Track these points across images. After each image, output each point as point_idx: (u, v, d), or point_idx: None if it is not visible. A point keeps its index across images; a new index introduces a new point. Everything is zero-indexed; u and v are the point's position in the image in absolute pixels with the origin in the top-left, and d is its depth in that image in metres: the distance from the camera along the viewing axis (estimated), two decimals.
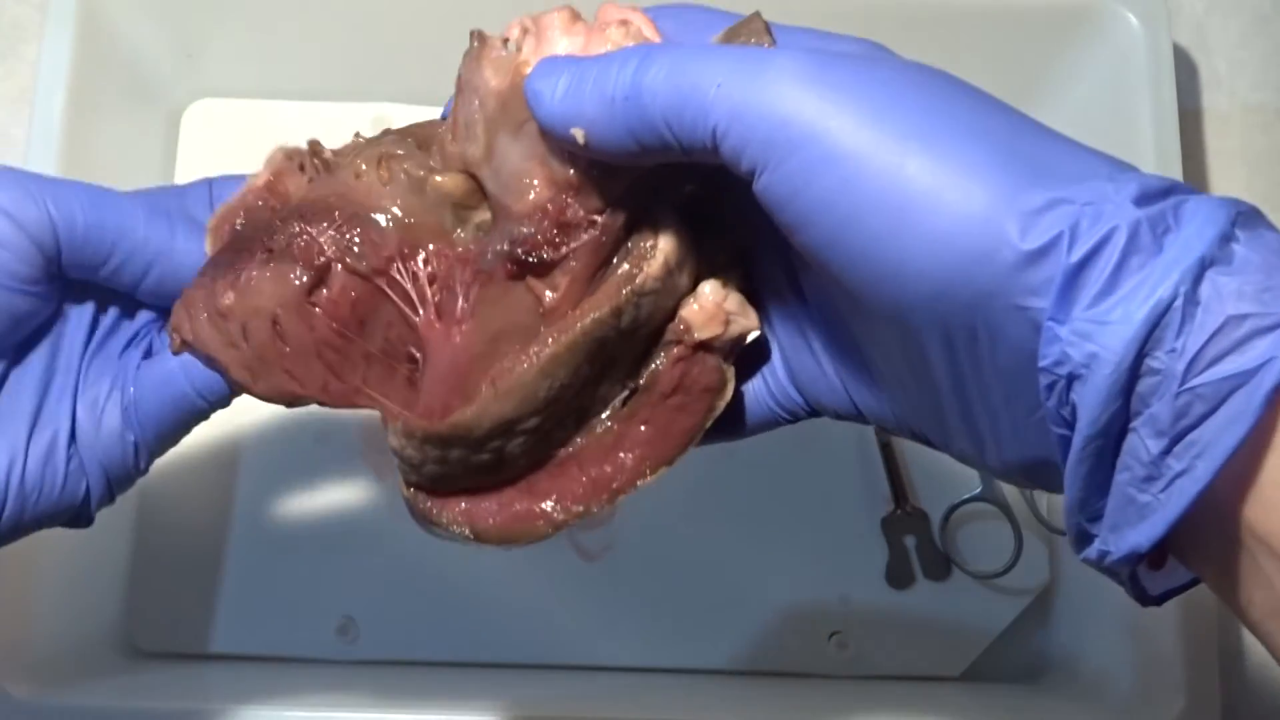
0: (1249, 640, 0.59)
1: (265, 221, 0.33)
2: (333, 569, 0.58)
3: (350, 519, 0.59)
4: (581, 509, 0.33)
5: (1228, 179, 0.64)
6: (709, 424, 0.33)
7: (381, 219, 0.33)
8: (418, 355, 0.33)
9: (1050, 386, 0.25)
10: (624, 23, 0.31)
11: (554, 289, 0.32)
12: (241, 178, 0.35)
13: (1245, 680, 0.58)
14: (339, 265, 0.33)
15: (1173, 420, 0.24)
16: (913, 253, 0.25)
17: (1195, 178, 0.64)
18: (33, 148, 0.54)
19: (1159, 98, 0.56)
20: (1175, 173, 0.55)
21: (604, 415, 0.33)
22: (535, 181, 0.31)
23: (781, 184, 0.27)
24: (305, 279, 0.33)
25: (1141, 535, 0.25)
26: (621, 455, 0.33)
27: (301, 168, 0.34)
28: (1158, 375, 0.24)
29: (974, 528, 0.59)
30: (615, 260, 0.32)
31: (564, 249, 0.31)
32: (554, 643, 0.58)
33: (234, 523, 0.59)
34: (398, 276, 0.33)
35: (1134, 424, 0.25)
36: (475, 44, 0.32)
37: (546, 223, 0.31)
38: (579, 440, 0.33)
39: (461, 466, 0.32)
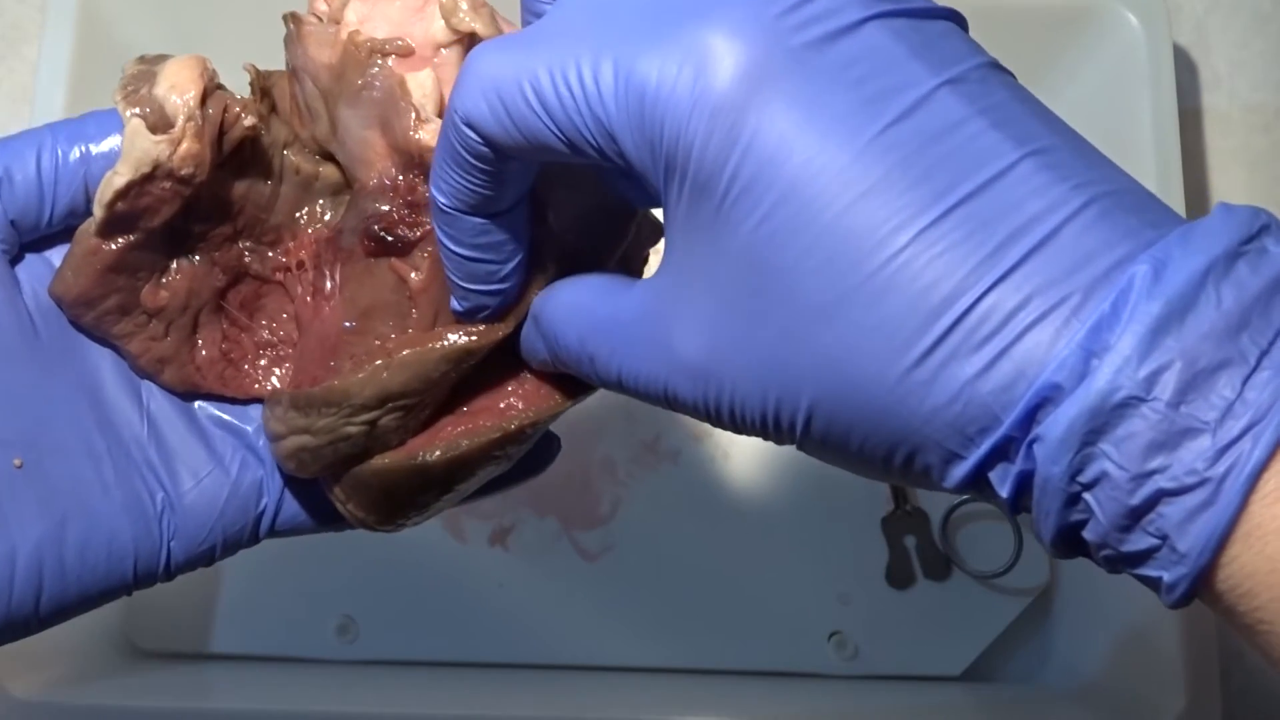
0: None
1: (161, 203, 0.32)
2: (333, 569, 0.58)
3: None
4: (484, 434, 0.32)
5: (1228, 179, 0.64)
6: None
7: (276, 218, 0.33)
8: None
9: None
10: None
11: (416, 270, 0.32)
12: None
13: (1245, 680, 0.58)
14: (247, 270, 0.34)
15: (1110, 564, 0.25)
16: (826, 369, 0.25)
17: (1195, 178, 0.64)
18: None
19: (1159, 98, 0.56)
20: (1175, 173, 0.55)
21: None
22: (376, 149, 0.31)
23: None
24: (223, 281, 0.33)
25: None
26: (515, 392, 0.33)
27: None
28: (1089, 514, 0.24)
29: (974, 528, 0.59)
30: None
31: (418, 230, 0.31)
32: (554, 643, 0.58)
33: None
34: (283, 270, 0.34)
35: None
36: (291, 26, 0.32)
37: (399, 201, 0.31)
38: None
39: (329, 439, 0.32)
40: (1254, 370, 0.22)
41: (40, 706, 0.51)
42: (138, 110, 0.30)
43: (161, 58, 0.32)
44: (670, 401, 0.28)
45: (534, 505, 0.59)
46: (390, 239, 0.32)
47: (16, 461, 0.31)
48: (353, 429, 0.32)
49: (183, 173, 0.30)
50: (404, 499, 0.33)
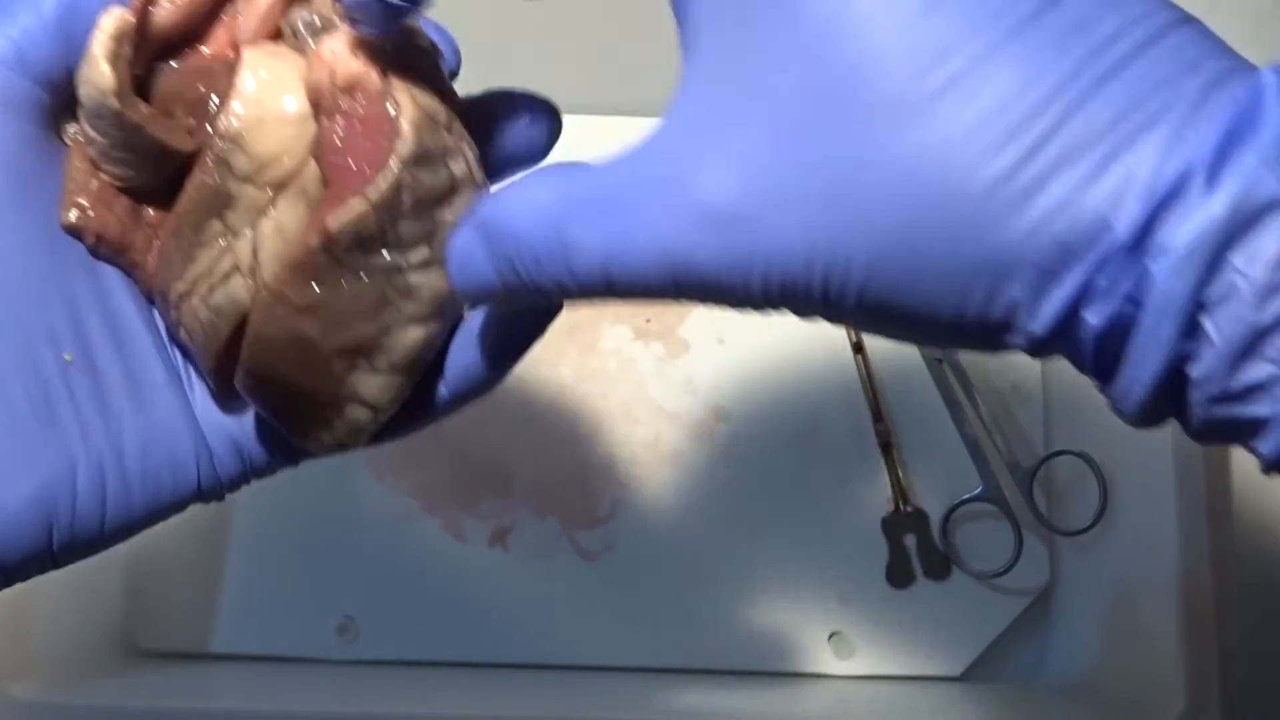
0: (1249, 640, 0.59)
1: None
2: (333, 569, 0.58)
3: (350, 519, 0.59)
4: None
5: None
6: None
7: None
8: None
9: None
10: None
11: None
12: None
13: (1245, 680, 0.58)
14: None
15: (1207, 408, 0.23)
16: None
17: None
18: None
19: None
20: None
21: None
22: None
23: None
24: None
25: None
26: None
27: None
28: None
29: (974, 528, 0.59)
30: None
31: None
32: (554, 643, 0.58)
33: (234, 523, 0.59)
34: None
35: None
36: None
37: None
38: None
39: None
40: None
41: (40, 706, 0.51)
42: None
43: None
44: (676, 278, 0.24)
45: (534, 505, 0.60)
46: None
47: (67, 355, 0.29)
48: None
49: None
50: (284, 409, 0.30)
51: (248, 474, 0.32)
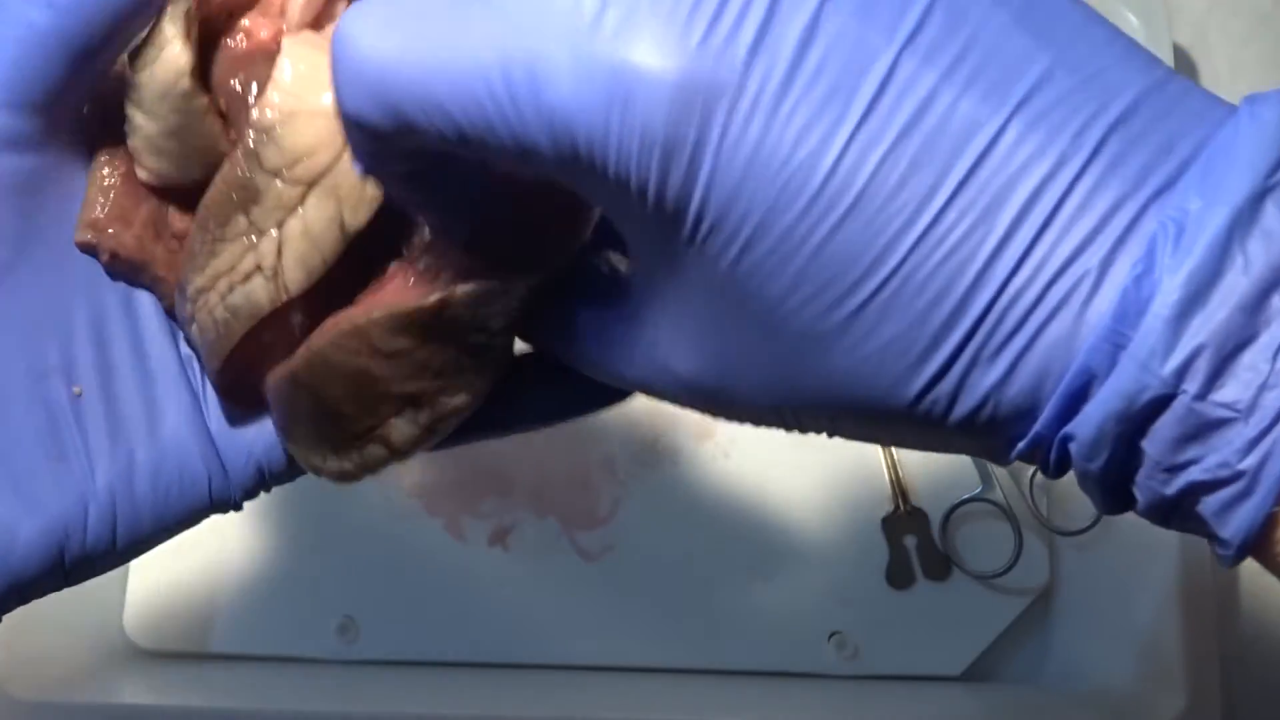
0: (1249, 641, 0.59)
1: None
2: (333, 569, 0.58)
3: (350, 519, 0.59)
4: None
5: None
6: None
7: None
8: None
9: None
10: None
11: None
12: None
13: (1245, 680, 0.58)
14: None
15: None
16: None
17: None
18: None
19: None
20: None
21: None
22: None
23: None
24: None
25: None
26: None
27: None
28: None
29: (974, 528, 0.59)
30: None
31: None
32: (554, 643, 0.58)
33: (234, 523, 0.59)
34: None
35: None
36: None
37: None
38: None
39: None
40: None
41: (40, 706, 0.51)
42: None
43: None
44: (681, 404, 0.27)
45: (534, 505, 0.59)
46: None
47: (76, 389, 0.29)
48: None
49: None
50: (310, 423, 0.30)
51: (266, 482, 0.32)
